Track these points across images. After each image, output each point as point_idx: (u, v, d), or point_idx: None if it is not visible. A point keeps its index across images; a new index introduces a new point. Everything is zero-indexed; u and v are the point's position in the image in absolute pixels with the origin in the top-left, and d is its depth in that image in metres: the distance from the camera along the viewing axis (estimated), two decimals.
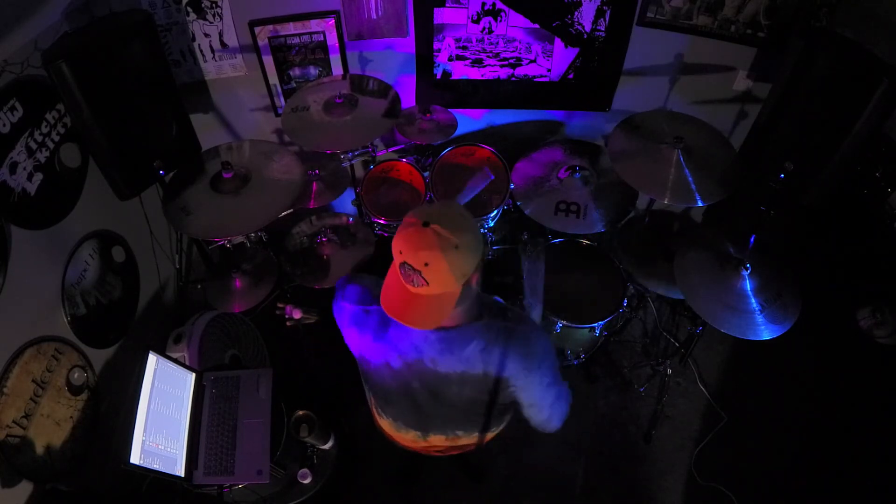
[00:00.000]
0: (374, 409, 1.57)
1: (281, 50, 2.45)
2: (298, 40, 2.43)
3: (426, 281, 1.06)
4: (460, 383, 1.25)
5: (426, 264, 1.04)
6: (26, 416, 1.71)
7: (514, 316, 1.26)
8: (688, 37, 2.36)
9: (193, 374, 1.93)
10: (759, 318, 1.90)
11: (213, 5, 2.29)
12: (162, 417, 1.75)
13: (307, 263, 2.38)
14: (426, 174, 2.48)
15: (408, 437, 1.55)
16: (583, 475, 2.47)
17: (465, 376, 1.23)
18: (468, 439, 1.52)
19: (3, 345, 1.67)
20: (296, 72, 2.54)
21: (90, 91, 1.77)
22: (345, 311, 1.31)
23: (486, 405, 1.32)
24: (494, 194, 2.47)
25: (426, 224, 1.05)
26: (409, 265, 1.06)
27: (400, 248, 1.07)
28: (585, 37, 2.43)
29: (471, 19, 2.40)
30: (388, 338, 1.24)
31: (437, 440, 1.53)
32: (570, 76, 2.58)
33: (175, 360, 1.89)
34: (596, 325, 2.25)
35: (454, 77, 2.60)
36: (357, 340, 1.30)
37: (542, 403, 1.29)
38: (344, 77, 2.50)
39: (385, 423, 1.56)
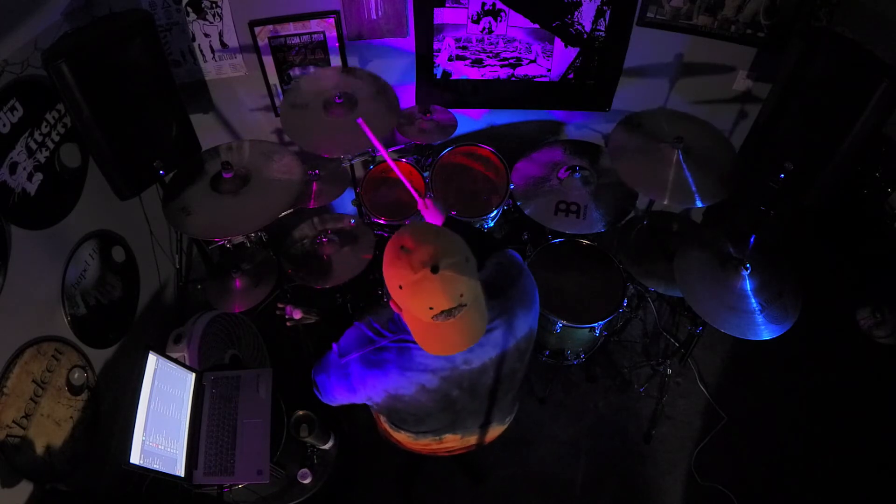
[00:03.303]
0: (387, 425, 1.55)
1: (281, 50, 2.45)
2: (298, 40, 2.43)
3: (465, 304, 1.05)
4: (495, 367, 1.27)
5: (461, 295, 1.03)
6: (26, 416, 1.71)
7: (499, 285, 1.26)
8: (688, 37, 2.36)
9: (193, 374, 1.93)
10: (759, 318, 1.89)
11: (213, 5, 2.29)
12: (162, 417, 1.75)
13: (307, 264, 2.38)
14: (426, 174, 2.48)
15: (422, 443, 1.54)
16: (583, 475, 2.47)
17: (498, 358, 1.25)
18: (493, 430, 1.57)
19: (3, 345, 1.67)
20: (296, 72, 2.53)
21: (90, 91, 1.77)
22: (352, 365, 1.22)
23: (520, 370, 1.35)
24: (494, 194, 2.47)
25: (435, 270, 1.00)
26: (447, 309, 1.03)
27: (430, 305, 1.02)
28: (585, 37, 2.44)
29: (471, 19, 2.40)
30: (415, 362, 1.19)
31: (451, 440, 1.53)
32: (570, 76, 2.58)
33: (175, 360, 1.89)
34: (596, 325, 2.25)
35: (454, 77, 2.60)
36: (382, 381, 1.22)
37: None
38: (345, 71, 2.49)
39: (402, 436, 1.53)
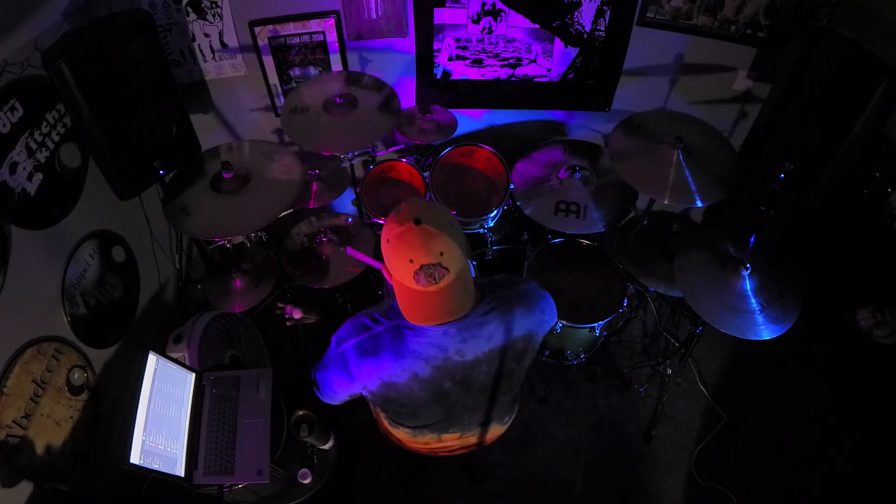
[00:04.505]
0: (387, 422, 1.55)
1: (281, 50, 2.45)
2: (298, 40, 2.43)
3: (446, 269, 1.09)
4: (489, 362, 1.27)
5: (441, 253, 1.07)
6: (26, 416, 1.71)
7: (502, 282, 1.30)
8: (688, 37, 2.36)
9: (193, 374, 1.93)
10: (759, 318, 1.89)
11: (213, 5, 2.29)
12: (162, 417, 1.75)
13: (307, 263, 2.38)
14: (426, 174, 2.48)
15: (422, 441, 1.54)
16: (583, 475, 2.47)
17: (492, 353, 1.26)
18: (493, 430, 1.57)
19: (3, 345, 1.67)
20: (296, 72, 2.54)
21: (90, 91, 1.78)
22: (349, 352, 1.25)
23: (516, 372, 1.36)
24: (494, 194, 2.47)
25: (418, 222, 1.07)
26: (427, 265, 1.07)
27: (410, 258, 1.08)
28: (585, 37, 2.44)
29: (471, 19, 2.40)
30: (408, 349, 1.21)
31: (450, 439, 1.53)
32: (570, 76, 2.58)
33: (175, 360, 1.89)
34: (596, 325, 2.25)
35: (454, 77, 2.60)
36: (377, 368, 1.24)
37: (552, 322, 1.39)
38: (347, 76, 2.50)
39: (401, 433, 1.54)
